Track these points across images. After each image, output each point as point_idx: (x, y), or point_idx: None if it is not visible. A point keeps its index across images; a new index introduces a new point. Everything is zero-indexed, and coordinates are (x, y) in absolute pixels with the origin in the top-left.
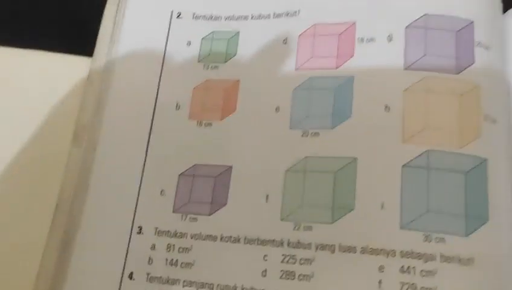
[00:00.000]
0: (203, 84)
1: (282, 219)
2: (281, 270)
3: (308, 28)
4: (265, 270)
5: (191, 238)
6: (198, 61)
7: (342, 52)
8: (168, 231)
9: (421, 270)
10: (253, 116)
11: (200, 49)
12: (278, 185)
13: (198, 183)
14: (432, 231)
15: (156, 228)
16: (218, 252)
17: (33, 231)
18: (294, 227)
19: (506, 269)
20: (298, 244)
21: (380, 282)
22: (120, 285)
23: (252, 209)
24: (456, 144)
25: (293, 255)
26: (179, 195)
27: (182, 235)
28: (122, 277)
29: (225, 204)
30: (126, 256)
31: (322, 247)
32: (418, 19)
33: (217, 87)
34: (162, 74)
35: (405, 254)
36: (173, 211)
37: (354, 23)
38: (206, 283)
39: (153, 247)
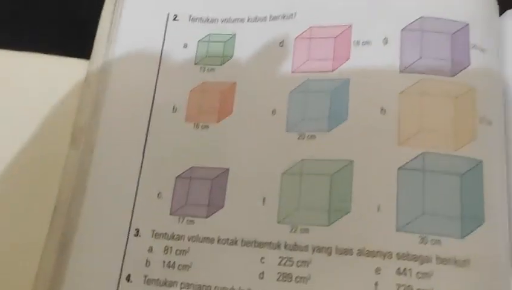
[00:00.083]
0: (200, 86)
1: (279, 222)
2: (278, 273)
3: (305, 31)
4: (263, 273)
5: (188, 240)
6: (195, 64)
7: (338, 54)
8: (165, 234)
9: (417, 272)
10: (250, 119)
11: (196, 52)
12: (275, 188)
13: (195, 185)
14: (427, 233)
15: (153, 231)
16: (215, 255)
17: (32, 233)
18: (291, 229)
19: (502, 270)
20: (295, 247)
21: (376, 284)
22: (118, 287)
23: (248, 211)
24: (452, 146)
25: (290, 258)
26: (176, 197)
27: (179, 237)
28: (119, 279)
29: (222, 206)
30: (123, 258)
31: (318, 249)
32: (414, 21)
33: (213, 90)
34: (159, 77)
35: (401, 256)
36: (170, 214)
37: (350, 26)
38: (204, 285)
39: (150, 249)
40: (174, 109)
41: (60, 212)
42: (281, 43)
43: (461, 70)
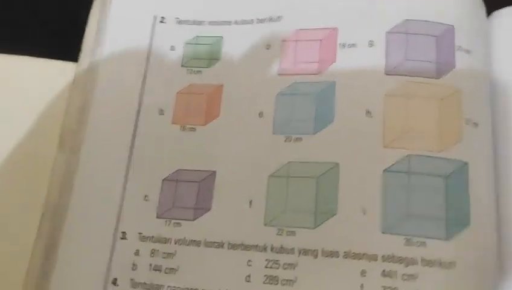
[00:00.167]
0: (187, 88)
1: (265, 224)
2: (265, 275)
3: (291, 34)
4: (249, 275)
5: (175, 243)
6: (182, 66)
7: (323, 57)
8: (152, 237)
9: (403, 275)
10: (237, 121)
11: (183, 54)
12: (261, 190)
13: (182, 188)
14: (413, 235)
15: (140, 234)
16: (202, 258)
17: (20, 237)
18: (278, 232)
19: (487, 272)
20: (281, 249)
21: (362, 286)
22: None
23: (235, 214)
24: (437, 148)
25: (277, 260)
26: (163, 200)
27: (166, 240)
28: (105, 282)
29: (209, 209)
30: (110, 262)
31: (304, 252)
32: (399, 24)
33: (200, 92)
34: (146, 79)
35: (386, 258)
36: (157, 217)
37: (335, 29)
38: (191, 288)
39: (137, 252)
40: (161, 111)
41: (48, 215)
42: (267, 45)
43: (447, 72)
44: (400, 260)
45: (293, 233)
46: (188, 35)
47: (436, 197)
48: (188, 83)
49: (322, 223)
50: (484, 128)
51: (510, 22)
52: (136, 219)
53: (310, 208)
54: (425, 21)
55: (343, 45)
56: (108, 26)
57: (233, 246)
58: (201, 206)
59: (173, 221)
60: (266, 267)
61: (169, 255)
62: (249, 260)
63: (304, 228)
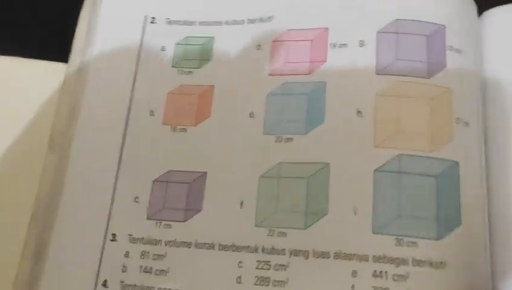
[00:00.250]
0: (178, 89)
1: (256, 225)
2: (256, 277)
3: (282, 34)
4: (240, 277)
5: (166, 245)
6: (173, 67)
7: (314, 57)
8: (142, 238)
9: (394, 275)
10: (228, 122)
11: (174, 54)
12: (252, 191)
13: (172, 189)
14: (403, 235)
15: (130, 235)
16: (192, 259)
17: (10, 238)
18: (269, 233)
19: (478, 272)
20: (272, 250)
21: (352, 287)
22: None
23: (226, 215)
24: (428, 147)
25: (268, 261)
26: (153, 201)
27: (156, 242)
28: (95, 284)
29: (200, 210)
30: (100, 264)
31: (295, 253)
32: (389, 24)
33: (191, 93)
34: (136, 79)
35: (377, 259)
36: (147, 218)
37: (326, 29)
38: None
39: (127, 254)
40: (152, 112)
41: (38, 216)
42: (258, 46)
43: (437, 72)
44: (391, 260)
45: (284, 234)
46: (179, 35)
47: (427, 197)
48: (179, 83)
49: (312, 223)
50: (475, 127)
51: (501, 22)
52: (126, 221)
53: (300, 208)
54: (416, 21)
55: (334, 45)
56: (99, 27)
57: (224, 247)
58: (192, 208)
59: (164, 222)
60: (257, 268)
61: (160, 256)
62: (240, 261)
63: (295, 228)
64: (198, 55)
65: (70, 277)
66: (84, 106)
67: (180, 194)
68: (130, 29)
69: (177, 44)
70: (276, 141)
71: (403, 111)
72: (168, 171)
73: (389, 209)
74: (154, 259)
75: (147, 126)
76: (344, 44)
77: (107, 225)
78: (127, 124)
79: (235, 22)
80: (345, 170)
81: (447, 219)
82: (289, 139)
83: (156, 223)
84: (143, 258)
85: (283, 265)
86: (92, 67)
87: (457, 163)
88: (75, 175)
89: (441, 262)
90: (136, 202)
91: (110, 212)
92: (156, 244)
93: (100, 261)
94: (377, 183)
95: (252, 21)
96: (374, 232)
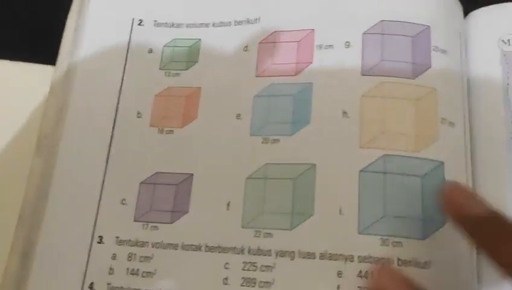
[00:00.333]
0: (165, 91)
1: (243, 226)
2: (242, 278)
3: (268, 35)
4: (227, 278)
5: (152, 247)
6: (160, 69)
7: (301, 59)
8: (129, 240)
9: None
10: (215, 124)
11: (161, 57)
12: (239, 193)
13: (159, 191)
14: (389, 235)
15: (117, 237)
16: (179, 261)
17: None
18: (255, 234)
19: (463, 271)
20: (259, 251)
21: (338, 287)
22: None
23: (213, 216)
24: (413, 148)
25: (254, 263)
26: (140, 203)
27: (143, 244)
28: (82, 287)
29: (187, 212)
30: (86, 266)
31: (282, 253)
32: (375, 25)
33: (178, 95)
34: (123, 81)
35: (363, 259)
36: (134, 220)
37: (312, 30)
38: None
39: (114, 256)
40: (139, 114)
41: (24, 219)
42: (245, 47)
43: (422, 72)
44: (377, 260)
45: (270, 235)
46: (166, 37)
47: (412, 197)
48: (166, 85)
49: (298, 224)
50: (460, 128)
51: (487, 22)
52: (113, 223)
53: (287, 209)
54: (401, 22)
55: (320, 46)
56: (86, 29)
57: (210, 249)
58: (179, 209)
59: (150, 224)
60: (243, 269)
61: (147, 258)
62: (227, 263)
63: (281, 229)
64: (186, 57)
65: (56, 279)
66: (72, 108)
67: (167, 196)
68: (118, 31)
69: (165, 46)
70: (262, 142)
71: (388, 112)
72: (155, 173)
73: (375, 209)
74: (141, 261)
75: (134, 128)
76: (330, 45)
77: (94, 227)
78: (114, 126)
79: (222, 24)
80: (331, 170)
81: (432, 218)
82: (276, 140)
83: (143, 225)
84: (130, 260)
85: (269, 266)
86: (80, 70)
87: (442, 163)
88: (62, 177)
89: (426, 262)
90: (123, 204)
91: (97, 215)
92: (142, 246)
93: (87, 264)
94: (362, 184)
95: (239, 23)
96: (359, 233)
